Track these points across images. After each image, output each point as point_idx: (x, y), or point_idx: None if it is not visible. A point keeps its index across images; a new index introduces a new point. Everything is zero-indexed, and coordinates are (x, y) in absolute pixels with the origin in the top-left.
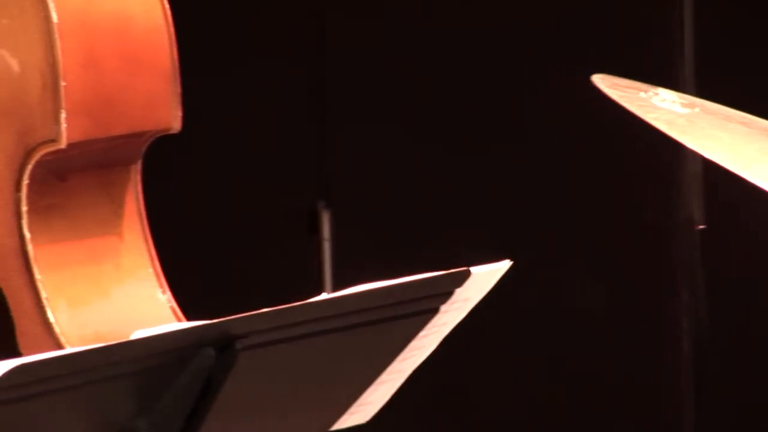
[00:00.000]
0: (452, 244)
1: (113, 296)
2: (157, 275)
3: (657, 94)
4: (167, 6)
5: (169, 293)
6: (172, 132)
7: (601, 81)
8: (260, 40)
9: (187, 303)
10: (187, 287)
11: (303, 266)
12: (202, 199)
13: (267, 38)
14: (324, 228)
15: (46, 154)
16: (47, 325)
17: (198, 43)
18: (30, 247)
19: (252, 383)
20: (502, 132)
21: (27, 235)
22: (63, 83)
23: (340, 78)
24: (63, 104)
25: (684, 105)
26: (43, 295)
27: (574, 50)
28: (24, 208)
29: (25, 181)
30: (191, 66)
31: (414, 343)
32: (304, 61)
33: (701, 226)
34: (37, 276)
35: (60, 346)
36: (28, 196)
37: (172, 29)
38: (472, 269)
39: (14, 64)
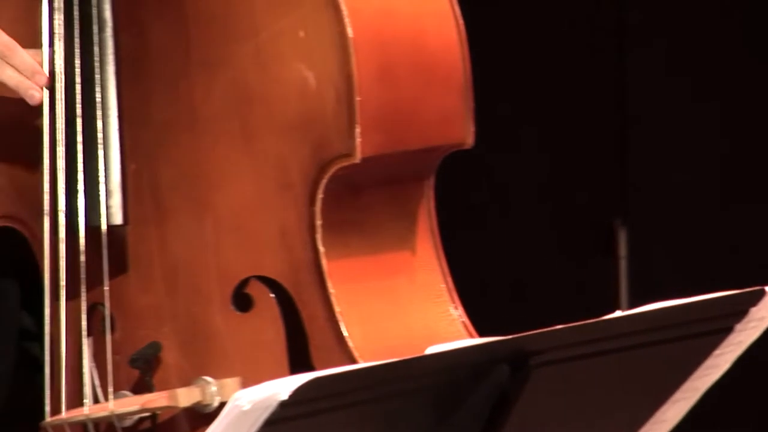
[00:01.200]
0: (754, 261)
1: (406, 311)
2: (449, 291)
3: None
4: (461, 21)
5: (461, 309)
6: (465, 147)
7: None
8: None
9: (478, 319)
10: (477, 303)
11: (598, 283)
12: (493, 215)
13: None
14: (620, 245)
15: (340, 169)
16: (341, 339)
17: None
18: (324, 261)
19: (545, 400)
20: None
21: (321, 249)
22: (358, 98)
23: (640, 84)
24: (358, 118)
25: None
26: (337, 309)
27: None
28: (318, 222)
29: (320, 196)
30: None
31: (708, 362)
32: (602, 68)
33: None
34: (331, 290)
35: (353, 360)
36: (323, 211)
37: (465, 43)
38: None
39: (311, 78)
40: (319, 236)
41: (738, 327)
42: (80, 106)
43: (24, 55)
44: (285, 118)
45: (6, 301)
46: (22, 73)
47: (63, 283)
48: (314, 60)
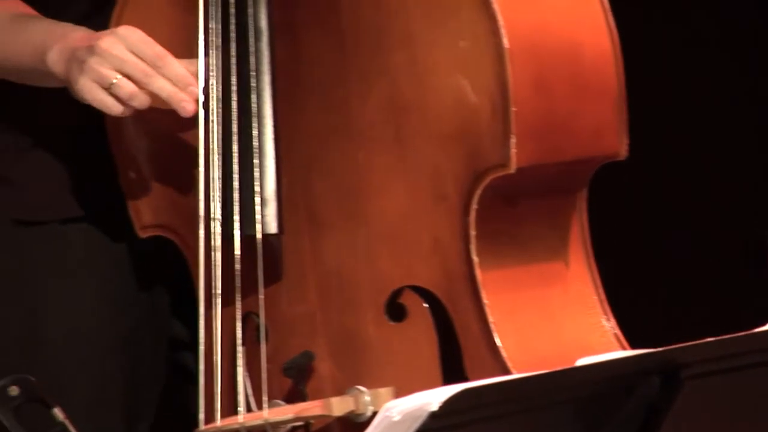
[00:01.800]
0: None
1: (559, 322)
2: (601, 302)
3: None
4: (615, 31)
5: (613, 320)
6: (618, 159)
7: None
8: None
9: (629, 331)
10: (629, 315)
11: (749, 296)
12: (644, 228)
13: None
14: None
15: (494, 179)
16: (494, 350)
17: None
18: (478, 272)
19: (695, 413)
20: None
21: (475, 259)
22: (513, 108)
23: None
24: (513, 129)
25: None
26: (491, 319)
27: None
28: (472, 233)
29: (474, 206)
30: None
31: None
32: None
33: None
34: (485, 300)
35: (506, 371)
36: (477, 221)
37: (619, 54)
38: None
39: (469, 89)
40: (473, 246)
41: None
42: (236, 115)
43: (177, 66)
44: (440, 128)
45: (158, 309)
46: (175, 85)
47: (217, 291)
48: (470, 71)
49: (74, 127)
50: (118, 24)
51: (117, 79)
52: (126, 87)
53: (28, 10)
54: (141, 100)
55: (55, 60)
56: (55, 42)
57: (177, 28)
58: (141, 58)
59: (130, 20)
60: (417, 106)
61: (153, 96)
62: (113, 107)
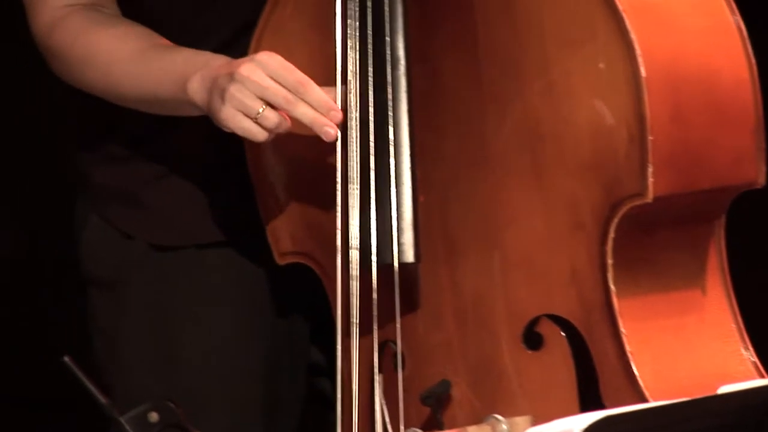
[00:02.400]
0: None
1: (696, 350)
2: (739, 330)
3: None
4: (752, 58)
5: (751, 349)
6: (756, 186)
7: None
8: None
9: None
10: (766, 344)
11: None
12: None
13: None
14: None
15: (632, 208)
16: (631, 378)
17: None
18: (615, 300)
19: None
20: None
21: (612, 288)
22: (650, 137)
23: None
24: (650, 158)
25: None
26: (628, 348)
27: None
28: (609, 261)
29: (611, 235)
30: None
31: None
32: None
33: None
34: (622, 329)
35: (644, 399)
36: (614, 250)
37: (757, 80)
38: None
39: (606, 113)
40: (610, 275)
41: None
42: (373, 143)
43: (319, 92)
44: (576, 156)
45: (296, 336)
46: (316, 110)
47: (355, 320)
48: (607, 94)
49: (213, 153)
50: (257, 50)
51: (261, 107)
52: (270, 115)
53: (163, 41)
54: (283, 126)
55: (195, 89)
56: (196, 71)
57: (315, 55)
58: (282, 84)
59: (269, 47)
60: (553, 134)
61: (294, 122)
62: (257, 134)
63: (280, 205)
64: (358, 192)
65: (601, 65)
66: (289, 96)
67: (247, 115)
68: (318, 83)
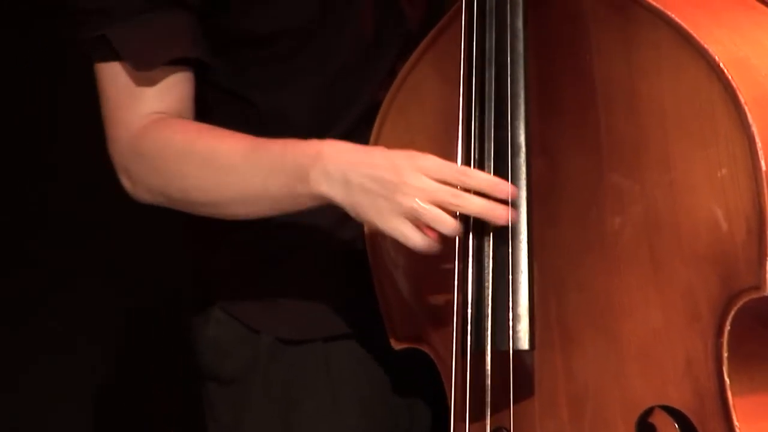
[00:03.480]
0: None
1: None
2: None
3: None
4: None
5: None
6: None
7: None
8: None
9: None
10: None
11: None
12: None
13: None
14: None
15: (749, 301)
16: None
17: None
18: (729, 394)
19: None
20: None
21: (727, 381)
22: None
23: None
24: None
25: None
26: None
27: None
28: (725, 354)
29: (728, 327)
30: None
31: None
32: None
33: None
34: (736, 423)
35: None
36: (729, 342)
37: None
38: None
39: (722, 218)
40: (725, 368)
41: None
42: (492, 231)
43: (480, 173)
44: (694, 248)
45: (418, 424)
46: (485, 191)
47: (468, 405)
48: (727, 194)
49: (334, 243)
50: (379, 135)
51: (433, 212)
52: (447, 221)
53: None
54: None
55: (321, 180)
56: (313, 161)
57: (436, 141)
58: (445, 182)
59: (392, 132)
60: (671, 226)
61: None
62: (423, 243)
63: (397, 291)
64: (474, 278)
65: (724, 170)
66: (456, 191)
67: (416, 223)
68: None
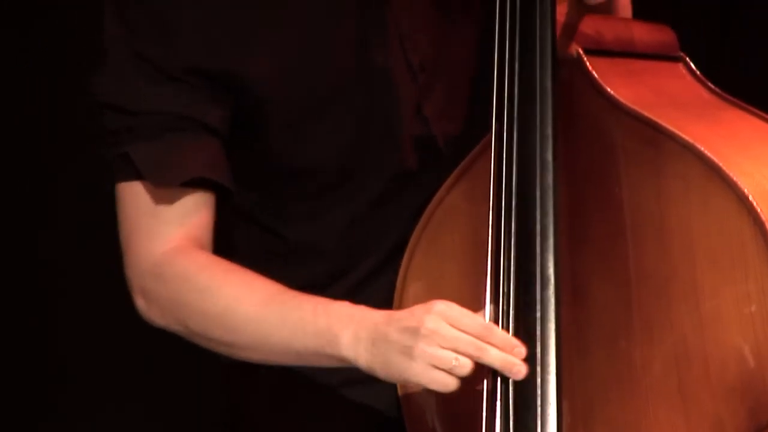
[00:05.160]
0: None
1: None
2: None
3: None
4: None
5: None
6: None
7: None
8: None
9: None
10: None
11: None
12: None
13: None
14: None
15: None
16: None
17: None
18: None
19: None
20: None
21: None
22: None
23: None
24: None
25: None
26: None
27: None
28: None
29: None
30: None
31: None
32: None
33: None
34: None
35: None
36: None
37: None
38: None
39: (749, 353)
40: None
41: None
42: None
43: (502, 333)
44: (723, 381)
45: None
46: (502, 350)
47: None
48: (756, 331)
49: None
50: (408, 269)
51: (454, 358)
52: (464, 363)
53: (290, 290)
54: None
55: (351, 345)
56: (344, 325)
57: (467, 273)
58: (466, 332)
59: (421, 265)
60: (700, 358)
61: None
62: (450, 384)
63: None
64: (502, 411)
65: (753, 306)
66: (478, 343)
67: (439, 368)
68: (467, 301)
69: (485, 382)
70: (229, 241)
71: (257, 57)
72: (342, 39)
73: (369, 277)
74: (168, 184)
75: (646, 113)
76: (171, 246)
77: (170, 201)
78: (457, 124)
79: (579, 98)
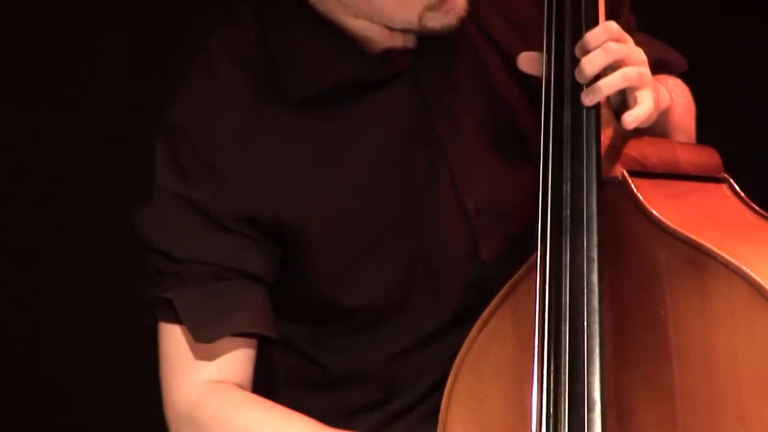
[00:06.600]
0: None
1: None
2: None
3: None
4: None
5: None
6: None
7: None
8: None
9: None
10: None
11: None
12: None
13: None
14: None
15: None
16: None
17: None
18: None
19: None
20: None
21: None
22: None
23: None
24: None
25: None
26: None
27: None
28: None
29: None
30: None
31: None
32: None
33: None
34: None
35: None
36: None
37: None
38: None
39: None
40: None
41: None
42: None
43: None
44: None
45: None
46: None
47: None
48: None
49: None
50: (453, 387)
51: None
52: None
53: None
54: None
55: None
56: None
57: (511, 395)
58: None
59: (467, 385)
60: None
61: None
62: None
63: None
64: None
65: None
66: None
67: None
68: (512, 424)
69: None
70: (268, 364)
71: (306, 202)
72: (391, 183)
73: (411, 405)
74: (207, 340)
75: (690, 234)
76: (208, 388)
77: (210, 350)
78: (513, 265)
79: (624, 219)
